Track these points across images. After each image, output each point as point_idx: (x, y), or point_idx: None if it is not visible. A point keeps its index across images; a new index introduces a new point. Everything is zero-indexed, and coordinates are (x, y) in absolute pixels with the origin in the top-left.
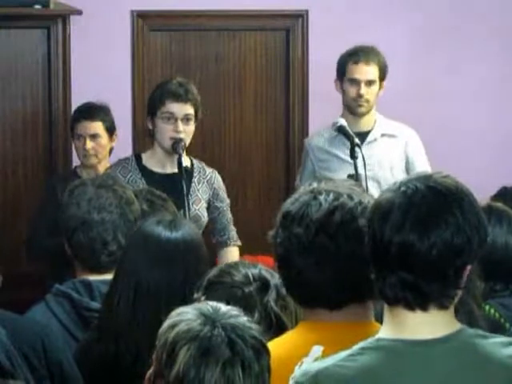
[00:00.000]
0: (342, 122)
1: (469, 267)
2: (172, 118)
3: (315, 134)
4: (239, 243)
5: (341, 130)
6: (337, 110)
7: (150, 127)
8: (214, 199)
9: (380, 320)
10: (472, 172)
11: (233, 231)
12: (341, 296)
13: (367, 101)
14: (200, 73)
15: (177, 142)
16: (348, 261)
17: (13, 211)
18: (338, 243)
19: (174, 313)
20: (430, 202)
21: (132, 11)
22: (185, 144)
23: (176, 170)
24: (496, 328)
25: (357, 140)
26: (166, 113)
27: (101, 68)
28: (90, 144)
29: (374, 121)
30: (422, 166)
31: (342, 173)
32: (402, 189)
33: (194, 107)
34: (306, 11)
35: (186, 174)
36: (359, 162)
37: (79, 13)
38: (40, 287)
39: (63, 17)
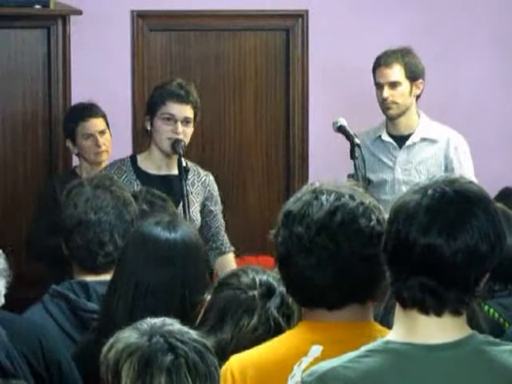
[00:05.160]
0: (342, 121)
1: (487, 275)
2: (172, 119)
3: (364, 134)
4: (233, 249)
5: (341, 129)
6: (337, 109)
7: (148, 128)
8: (208, 202)
9: (380, 322)
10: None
11: (225, 236)
12: (340, 296)
13: (394, 102)
14: (200, 73)
15: (176, 141)
16: (348, 261)
17: (12, 211)
18: (339, 243)
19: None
20: (458, 206)
21: (132, 11)
22: (184, 144)
23: (171, 172)
24: (495, 329)
25: (357, 140)
26: (166, 113)
27: (101, 68)
28: (101, 140)
29: (417, 124)
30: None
31: (381, 175)
32: (430, 192)
33: (193, 109)
34: (306, 11)
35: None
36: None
37: (79, 13)
38: (40, 287)
39: (63, 17)
